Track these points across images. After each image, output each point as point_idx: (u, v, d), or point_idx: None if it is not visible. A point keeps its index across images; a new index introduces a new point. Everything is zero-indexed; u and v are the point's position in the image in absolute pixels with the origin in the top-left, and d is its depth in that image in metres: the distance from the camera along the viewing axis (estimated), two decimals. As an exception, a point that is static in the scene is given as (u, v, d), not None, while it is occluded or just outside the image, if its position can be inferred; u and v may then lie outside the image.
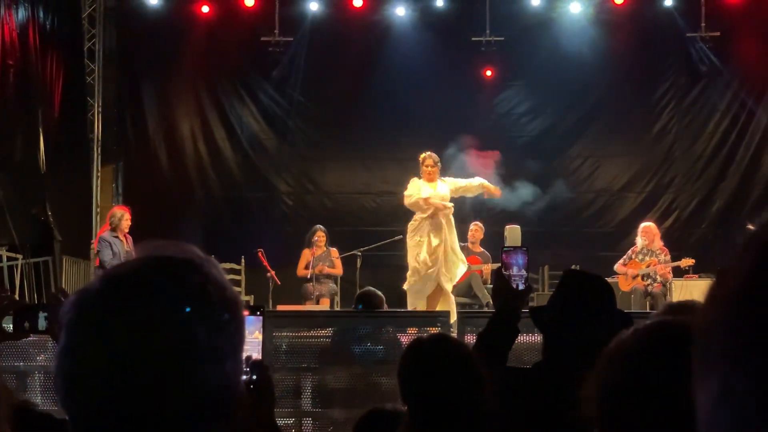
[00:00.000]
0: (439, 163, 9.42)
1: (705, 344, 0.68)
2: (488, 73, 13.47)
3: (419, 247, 9.29)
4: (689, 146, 13.40)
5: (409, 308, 9.19)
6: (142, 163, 13.56)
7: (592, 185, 13.47)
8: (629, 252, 10.67)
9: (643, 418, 1.18)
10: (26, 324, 2.55)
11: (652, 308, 9.83)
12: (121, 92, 13.71)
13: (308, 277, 10.82)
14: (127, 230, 9.82)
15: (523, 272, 2.96)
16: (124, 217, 9.84)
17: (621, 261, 10.65)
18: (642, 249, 10.54)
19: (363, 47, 13.45)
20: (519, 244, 10.05)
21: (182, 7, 13.47)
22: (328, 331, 6.73)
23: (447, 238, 9.32)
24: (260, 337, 2.07)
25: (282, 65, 13.50)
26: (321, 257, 10.96)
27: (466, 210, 10.75)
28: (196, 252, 1.13)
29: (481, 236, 11.12)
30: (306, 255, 10.97)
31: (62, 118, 12.25)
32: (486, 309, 9.63)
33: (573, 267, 10.39)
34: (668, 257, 10.53)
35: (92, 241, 11.86)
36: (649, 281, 10.40)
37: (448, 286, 9.38)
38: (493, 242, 11.13)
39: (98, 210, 13.17)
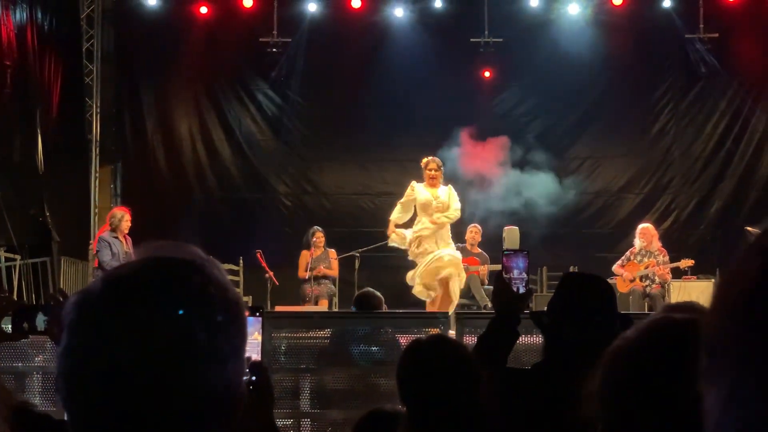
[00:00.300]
0: (442, 167, 9.39)
1: (713, 348, 0.68)
2: (487, 74, 13.48)
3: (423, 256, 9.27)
4: (688, 147, 13.41)
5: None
6: (141, 163, 13.56)
7: (590, 186, 13.47)
8: (627, 253, 10.67)
9: (646, 416, 1.18)
10: (25, 325, 2.54)
11: (650, 309, 9.84)
12: (119, 93, 13.71)
13: (306, 278, 10.82)
14: (126, 231, 9.81)
15: (524, 275, 2.96)
16: (124, 218, 9.84)
17: (619, 262, 10.65)
18: (640, 250, 10.54)
19: (361, 48, 13.46)
20: (517, 246, 10.06)
21: (180, 7, 13.47)
22: (326, 332, 6.72)
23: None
24: (260, 338, 2.07)
25: (280, 66, 13.50)
26: (320, 258, 10.96)
27: (465, 211, 10.75)
28: (197, 253, 1.13)
29: (479, 238, 11.12)
30: (305, 256, 10.97)
31: (60, 119, 12.24)
32: (485, 310, 9.63)
33: (571, 269, 10.42)
34: (666, 258, 10.53)
35: (91, 242, 11.87)
36: (647, 282, 10.40)
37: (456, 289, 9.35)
38: (492, 243, 11.14)
39: (96, 210, 13.17)
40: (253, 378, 1.83)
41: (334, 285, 11.15)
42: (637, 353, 1.22)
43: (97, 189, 13.33)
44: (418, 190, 9.28)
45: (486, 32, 13.17)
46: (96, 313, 1.05)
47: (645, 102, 13.46)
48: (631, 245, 10.79)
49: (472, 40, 13.24)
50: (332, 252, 11.09)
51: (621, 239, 12.40)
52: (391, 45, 13.45)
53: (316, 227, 11.22)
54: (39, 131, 11.37)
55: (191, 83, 13.63)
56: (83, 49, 13.29)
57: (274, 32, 13.32)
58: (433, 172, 9.28)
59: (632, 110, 13.48)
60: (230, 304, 1.10)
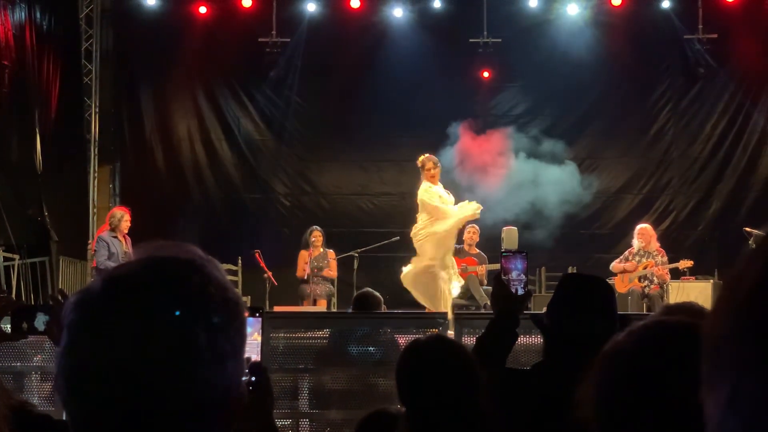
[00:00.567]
0: (438, 164, 9.37)
1: (714, 351, 0.68)
2: (485, 74, 13.48)
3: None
4: (686, 148, 13.41)
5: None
6: (139, 163, 13.56)
7: (589, 187, 13.46)
8: (626, 253, 10.67)
9: (640, 419, 1.18)
10: (24, 325, 2.54)
11: (649, 310, 9.84)
12: (118, 93, 13.71)
13: (305, 278, 10.81)
14: (126, 231, 9.81)
15: (523, 277, 2.96)
16: (123, 217, 9.84)
17: (617, 260, 10.66)
18: (639, 251, 10.54)
19: (360, 48, 13.45)
20: (516, 246, 10.06)
21: (179, 7, 13.46)
22: (325, 332, 6.71)
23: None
24: (259, 338, 2.07)
25: (279, 66, 13.49)
26: (318, 258, 10.94)
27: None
28: (197, 253, 1.13)
29: (477, 238, 11.11)
30: (304, 256, 10.96)
31: (59, 119, 12.24)
32: (483, 310, 9.63)
33: (570, 269, 10.43)
34: (665, 259, 10.53)
35: (89, 242, 11.86)
36: (646, 283, 10.40)
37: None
38: (490, 244, 11.14)
39: (95, 210, 13.16)
40: (253, 378, 1.83)
41: (333, 285, 11.14)
42: (629, 357, 1.21)
43: (95, 189, 13.33)
44: (435, 189, 9.22)
45: (485, 33, 13.17)
46: (96, 313, 1.05)
47: (643, 103, 13.46)
48: (630, 246, 10.79)
49: (470, 40, 13.24)
50: (331, 252, 11.09)
51: (619, 240, 12.40)
52: (389, 45, 13.45)
53: (314, 227, 11.21)
54: (37, 131, 11.37)
55: (190, 83, 13.62)
56: (82, 49, 13.29)
57: (273, 32, 13.32)
58: (432, 170, 9.27)
59: (631, 111, 13.48)
60: (230, 304, 1.10)
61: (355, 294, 7.10)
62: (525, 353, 5.32)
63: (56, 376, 1.05)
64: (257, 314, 2.06)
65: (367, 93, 13.27)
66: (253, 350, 2.01)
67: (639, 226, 10.80)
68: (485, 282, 10.68)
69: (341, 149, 13.55)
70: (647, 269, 10.38)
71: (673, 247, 11.71)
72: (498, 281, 2.99)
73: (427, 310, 9.02)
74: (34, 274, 10.92)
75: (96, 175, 13.36)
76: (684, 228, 13.21)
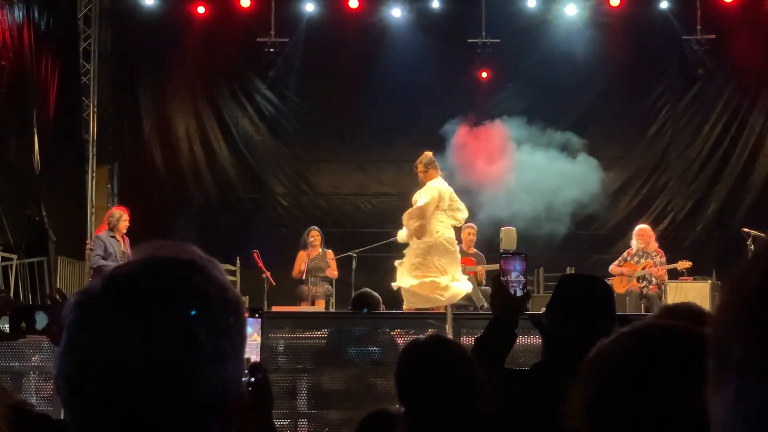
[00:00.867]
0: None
1: (719, 352, 0.68)
2: (484, 74, 13.48)
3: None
4: (684, 149, 13.42)
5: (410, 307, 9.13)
6: (138, 163, 13.55)
7: (588, 187, 13.45)
8: (624, 254, 10.68)
9: (634, 426, 1.16)
10: (23, 324, 2.54)
11: (647, 310, 9.84)
12: (116, 92, 13.69)
13: (303, 278, 10.80)
14: (125, 231, 9.79)
15: (522, 278, 2.96)
16: (122, 217, 9.82)
17: (616, 263, 10.66)
18: (637, 251, 10.54)
19: (359, 49, 13.46)
20: (514, 246, 10.04)
21: (178, 7, 13.46)
22: (324, 332, 6.72)
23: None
24: (259, 339, 2.07)
25: (278, 66, 13.50)
26: (317, 258, 10.93)
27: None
28: (197, 253, 1.13)
29: (475, 239, 11.11)
30: (301, 257, 10.94)
31: (57, 119, 12.23)
32: (481, 311, 9.62)
33: (568, 270, 10.44)
34: (664, 259, 10.53)
35: (87, 242, 11.84)
36: (644, 283, 10.40)
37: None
38: (489, 244, 11.14)
39: (93, 210, 13.14)
40: (253, 379, 1.83)
41: (331, 285, 11.14)
42: (618, 364, 1.19)
43: (93, 189, 13.31)
44: (441, 185, 9.18)
45: (483, 33, 13.18)
46: (96, 313, 1.05)
47: (642, 103, 13.47)
48: (628, 246, 10.79)
49: (469, 40, 13.25)
50: (330, 253, 11.07)
51: (618, 240, 12.41)
52: (388, 45, 13.45)
53: (312, 227, 11.19)
54: (35, 131, 11.36)
55: (188, 83, 13.62)
56: (80, 49, 13.28)
57: (272, 32, 13.32)
58: (423, 173, 9.23)
59: (629, 111, 13.49)
60: (230, 304, 1.10)
61: (353, 294, 7.11)
62: (524, 353, 5.33)
63: (56, 376, 1.05)
64: (257, 315, 2.06)
65: (366, 93, 13.28)
66: (252, 351, 2.01)
67: (638, 227, 10.80)
68: (484, 283, 10.68)
69: (340, 149, 13.55)
70: (646, 270, 10.38)
71: (671, 247, 11.71)
72: (497, 282, 2.99)
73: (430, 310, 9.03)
74: (32, 274, 10.91)
75: (94, 174, 13.34)
76: (682, 228, 13.22)
